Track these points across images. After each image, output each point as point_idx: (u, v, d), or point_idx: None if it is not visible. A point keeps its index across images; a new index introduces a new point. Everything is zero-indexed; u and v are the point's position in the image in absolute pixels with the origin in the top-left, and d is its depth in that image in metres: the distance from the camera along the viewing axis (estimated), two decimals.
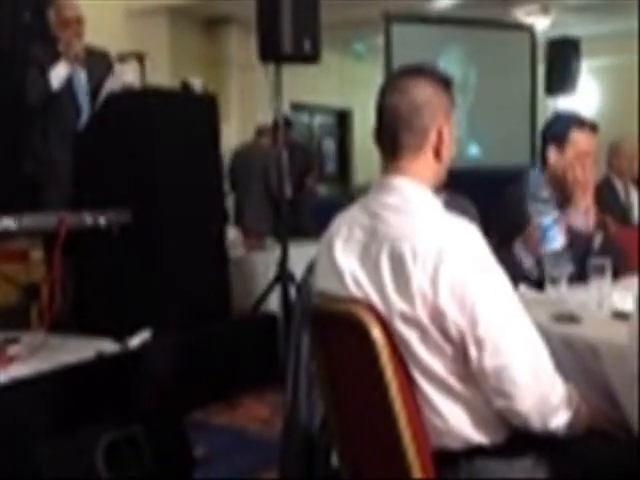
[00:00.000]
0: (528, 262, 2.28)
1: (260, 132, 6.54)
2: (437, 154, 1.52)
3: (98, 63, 4.16)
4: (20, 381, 2.73)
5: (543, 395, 1.40)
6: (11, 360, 2.88)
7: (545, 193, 2.45)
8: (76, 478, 2.35)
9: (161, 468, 2.46)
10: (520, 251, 2.29)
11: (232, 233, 4.92)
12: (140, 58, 3.90)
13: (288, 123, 7.04)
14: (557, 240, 2.23)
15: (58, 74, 4.01)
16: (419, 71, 1.54)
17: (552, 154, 2.47)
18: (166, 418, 2.68)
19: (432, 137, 1.51)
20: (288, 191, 6.44)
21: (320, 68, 4.80)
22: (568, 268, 2.03)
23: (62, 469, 2.35)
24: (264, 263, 4.63)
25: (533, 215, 2.34)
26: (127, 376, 3.08)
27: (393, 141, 1.52)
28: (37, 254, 3.98)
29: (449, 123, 1.54)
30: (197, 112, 4.00)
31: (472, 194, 2.62)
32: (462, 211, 1.60)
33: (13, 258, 3.97)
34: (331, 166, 11.32)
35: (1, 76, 5.03)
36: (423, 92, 1.50)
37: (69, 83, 4.08)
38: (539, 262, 2.26)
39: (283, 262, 4.29)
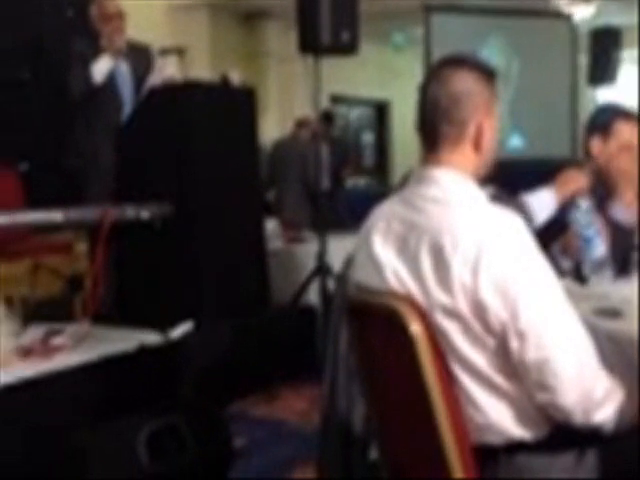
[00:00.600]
0: (566, 265, 2.26)
1: (299, 125, 6.55)
2: (477, 147, 1.50)
3: (140, 57, 4.22)
4: (64, 371, 2.78)
5: (586, 389, 1.37)
6: (55, 350, 2.94)
7: (586, 202, 2.40)
8: (118, 467, 2.39)
9: (202, 458, 2.49)
10: (558, 254, 2.26)
11: (271, 225, 4.94)
12: (181, 52, 3.94)
13: (330, 117, 7.04)
14: (599, 250, 2.21)
15: (100, 68, 4.06)
16: (461, 62, 1.52)
17: (596, 145, 2.42)
18: (206, 409, 2.71)
19: (471, 129, 1.48)
20: (326, 184, 6.47)
21: (359, 59, 4.79)
22: (608, 274, 2.01)
23: (105, 458, 2.38)
24: (303, 255, 4.64)
25: (574, 224, 2.31)
26: (169, 367, 3.12)
27: (432, 132, 1.50)
28: (81, 246, 4.04)
29: (491, 116, 1.51)
30: (236, 105, 4.02)
31: (515, 186, 2.59)
32: (513, 207, 1.58)
33: (58, 250, 4.05)
34: (369, 159, 11.30)
35: (45, 72, 5.14)
36: (463, 83, 1.48)
37: (111, 77, 4.13)
38: (577, 267, 2.23)
39: (322, 254, 4.30)
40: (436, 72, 1.53)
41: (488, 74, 1.52)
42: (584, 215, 2.28)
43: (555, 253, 2.27)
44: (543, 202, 2.23)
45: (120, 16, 4.14)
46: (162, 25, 6.88)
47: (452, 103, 1.47)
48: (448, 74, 1.49)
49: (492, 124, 1.51)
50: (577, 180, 2.32)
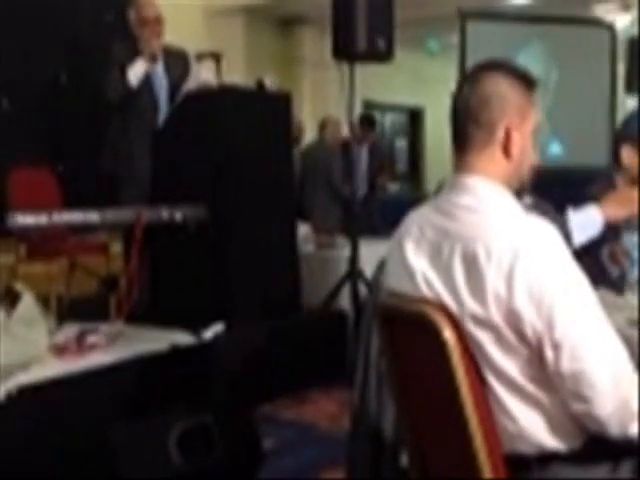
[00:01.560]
0: (615, 272, 2.23)
1: (322, 126, 6.49)
2: (506, 153, 1.47)
3: (177, 62, 4.26)
4: (98, 370, 2.82)
5: (623, 400, 1.35)
6: (89, 349, 2.98)
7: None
8: (149, 465, 2.42)
9: (231, 458, 2.51)
10: (607, 261, 2.23)
11: (303, 230, 4.96)
12: (217, 57, 3.98)
13: (371, 121, 7.02)
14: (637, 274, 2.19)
15: (136, 72, 4.11)
16: (496, 66, 1.51)
17: (626, 154, 2.40)
18: (237, 410, 2.73)
19: (499, 133, 1.46)
20: (362, 189, 6.47)
21: (393, 66, 4.78)
22: None
23: (136, 457, 2.41)
24: (334, 260, 4.65)
25: (624, 242, 2.27)
26: (200, 367, 3.15)
27: (461, 136, 1.49)
28: (116, 247, 4.10)
29: (524, 123, 1.48)
30: (271, 110, 4.05)
31: (555, 195, 2.56)
32: (544, 215, 1.54)
33: (94, 250, 4.11)
34: (402, 165, 11.28)
35: (84, 74, 5.22)
36: (495, 86, 1.46)
37: (147, 81, 4.17)
38: (623, 276, 2.21)
39: (353, 259, 4.30)
40: (469, 76, 1.52)
41: (526, 81, 1.50)
42: (634, 236, 2.24)
43: (605, 260, 2.24)
44: (585, 222, 2.11)
45: (158, 20, 4.19)
46: (198, 30, 6.94)
47: (481, 105, 1.46)
48: (480, 77, 1.49)
49: (525, 132, 1.48)
50: (634, 202, 2.19)
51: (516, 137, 1.46)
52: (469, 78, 1.51)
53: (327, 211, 6.05)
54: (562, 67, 6.85)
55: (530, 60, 6.55)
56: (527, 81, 1.50)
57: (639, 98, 6.41)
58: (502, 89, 1.46)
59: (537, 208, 1.92)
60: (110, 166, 4.29)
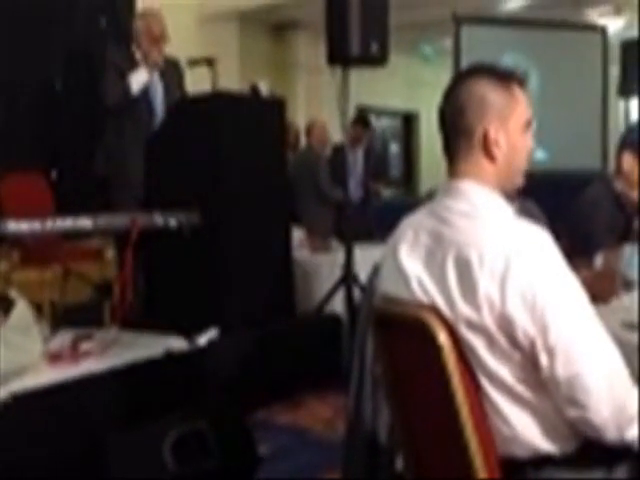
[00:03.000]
0: None
1: (309, 130, 6.45)
2: (488, 156, 1.46)
3: (170, 69, 4.29)
4: (92, 376, 2.81)
5: (619, 405, 1.35)
6: (84, 356, 2.98)
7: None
8: (144, 472, 2.41)
9: (226, 464, 2.50)
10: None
11: (297, 234, 4.95)
12: (211, 63, 3.98)
13: (366, 122, 7.01)
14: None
15: (138, 79, 4.14)
16: (474, 70, 1.51)
17: (627, 161, 2.42)
18: (231, 415, 2.72)
19: (478, 137, 1.46)
20: (358, 193, 6.47)
21: (386, 70, 4.79)
22: None
23: (131, 462, 2.41)
24: (328, 265, 4.65)
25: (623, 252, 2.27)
26: (194, 373, 3.14)
27: (446, 145, 1.51)
28: (111, 253, 4.09)
29: (508, 121, 1.46)
30: (265, 116, 4.05)
31: (540, 199, 2.58)
32: (532, 218, 1.54)
33: (88, 256, 4.10)
34: (396, 170, 11.30)
35: (78, 80, 5.22)
36: (468, 93, 1.46)
37: (146, 89, 4.20)
38: None
39: (348, 264, 4.30)
40: (447, 87, 1.52)
41: (504, 79, 1.47)
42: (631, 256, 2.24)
43: (597, 265, 2.23)
44: None
45: (163, 37, 4.22)
46: (192, 35, 6.94)
47: (457, 113, 1.47)
48: (457, 84, 1.49)
49: (511, 130, 1.47)
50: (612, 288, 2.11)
51: (498, 138, 1.46)
52: (447, 89, 1.51)
53: (318, 216, 6.05)
54: (548, 71, 6.88)
55: (507, 64, 6.57)
56: (506, 79, 1.48)
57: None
58: (477, 94, 1.45)
59: (525, 212, 1.92)
60: (104, 171, 4.29)
